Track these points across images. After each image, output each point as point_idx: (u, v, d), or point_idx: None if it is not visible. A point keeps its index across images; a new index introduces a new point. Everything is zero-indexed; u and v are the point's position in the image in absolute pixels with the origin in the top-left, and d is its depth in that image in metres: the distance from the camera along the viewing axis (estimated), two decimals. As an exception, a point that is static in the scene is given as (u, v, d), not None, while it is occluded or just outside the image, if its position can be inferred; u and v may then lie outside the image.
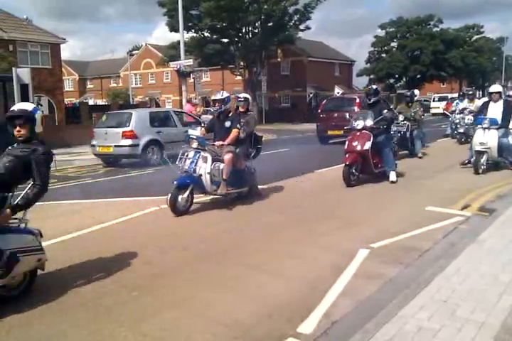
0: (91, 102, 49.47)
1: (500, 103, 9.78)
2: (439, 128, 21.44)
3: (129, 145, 12.77)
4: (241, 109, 8.22)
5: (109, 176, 11.46)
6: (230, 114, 7.44)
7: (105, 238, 5.84)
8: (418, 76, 51.45)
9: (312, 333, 3.26)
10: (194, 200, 7.07)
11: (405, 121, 12.24)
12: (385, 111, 8.73)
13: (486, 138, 9.44)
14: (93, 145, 13.48)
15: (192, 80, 23.33)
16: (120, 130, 12.84)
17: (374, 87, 9.62)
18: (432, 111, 38.62)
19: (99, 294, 4.03)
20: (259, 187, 8.11)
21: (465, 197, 7.46)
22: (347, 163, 8.39)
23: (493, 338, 2.95)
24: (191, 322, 3.48)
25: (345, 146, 8.74)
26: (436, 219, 6.14)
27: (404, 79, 53.76)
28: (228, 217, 6.82)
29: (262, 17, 34.37)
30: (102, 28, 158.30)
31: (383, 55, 53.21)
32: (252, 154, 7.87)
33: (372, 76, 52.83)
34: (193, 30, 35.60)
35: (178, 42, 24.02)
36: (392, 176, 8.78)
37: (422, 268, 4.33)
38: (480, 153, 9.52)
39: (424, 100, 46.06)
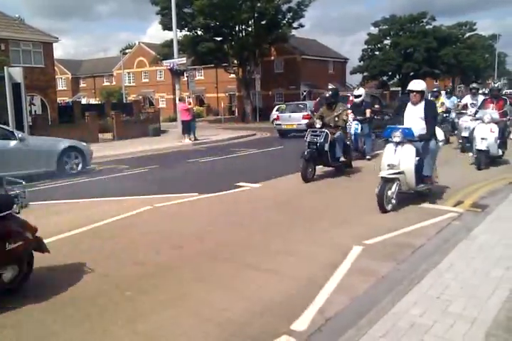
0: (84, 101, 49.21)
1: (422, 106, 6.84)
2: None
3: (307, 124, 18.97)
4: None
5: (106, 175, 11.41)
6: None
7: (98, 237, 5.82)
8: (411, 73, 51.54)
9: (306, 330, 3.27)
10: None
11: (323, 129, 9.21)
12: None
13: (398, 158, 6.57)
14: (279, 124, 21.61)
15: (185, 79, 23.27)
16: (301, 114, 20.51)
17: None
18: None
19: (93, 294, 4.02)
20: None
21: (458, 193, 7.49)
22: None
23: (485, 333, 2.97)
24: (184, 321, 3.48)
25: None
26: (429, 215, 6.17)
27: (397, 77, 53.89)
28: (223, 216, 6.82)
29: (255, 15, 34.36)
30: (96, 27, 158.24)
31: (376, 52, 53.29)
32: None
33: (365, 73, 52.93)
34: (186, 29, 35.53)
35: (172, 41, 23.92)
36: None
37: (415, 265, 4.35)
38: (387, 182, 6.48)
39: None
